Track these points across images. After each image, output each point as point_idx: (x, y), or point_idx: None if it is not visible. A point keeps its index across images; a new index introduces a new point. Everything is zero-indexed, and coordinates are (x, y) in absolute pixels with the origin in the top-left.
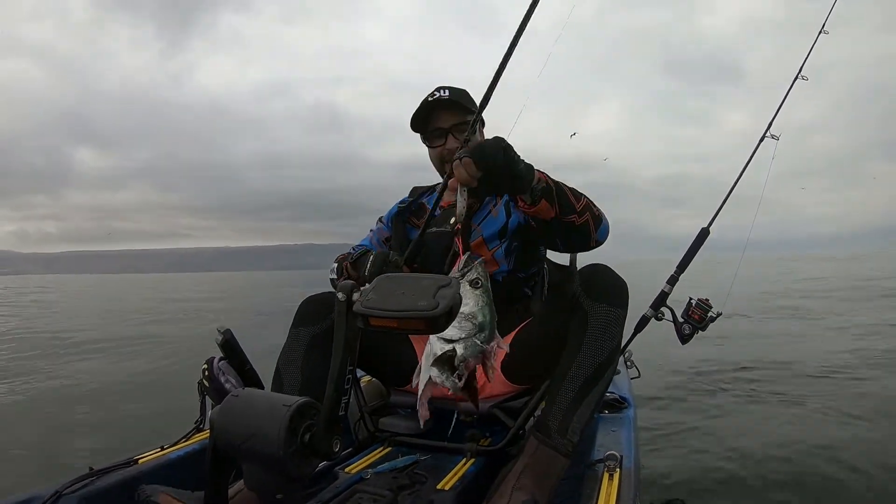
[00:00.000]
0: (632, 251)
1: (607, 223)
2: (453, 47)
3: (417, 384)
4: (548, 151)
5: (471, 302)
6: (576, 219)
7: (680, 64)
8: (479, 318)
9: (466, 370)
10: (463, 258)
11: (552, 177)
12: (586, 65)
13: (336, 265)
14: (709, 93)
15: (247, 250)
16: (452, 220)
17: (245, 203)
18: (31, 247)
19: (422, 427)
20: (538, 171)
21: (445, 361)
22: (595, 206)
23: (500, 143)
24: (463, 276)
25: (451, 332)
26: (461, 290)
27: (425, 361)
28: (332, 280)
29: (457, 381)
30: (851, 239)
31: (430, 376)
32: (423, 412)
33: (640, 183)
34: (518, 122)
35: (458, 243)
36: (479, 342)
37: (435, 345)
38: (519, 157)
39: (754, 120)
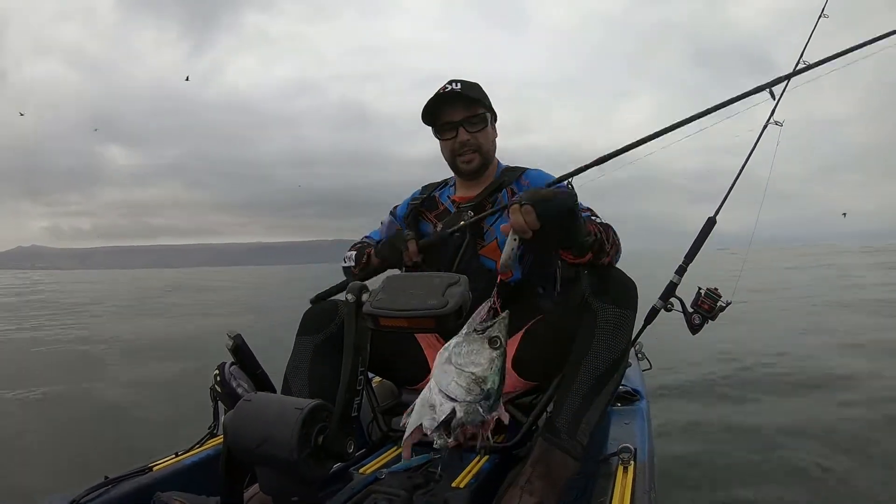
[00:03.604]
0: (660, 243)
1: (621, 251)
2: (479, 43)
3: (405, 423)
4: (576, 149)
5: (484, 363)
6: (605, 259)
7: (709, 55)
8: (489, 385)
9: (462, 434)
10: (486, 307)
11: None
12: (616, 59)
13: (354, 253)
14: (739, 85)
15: (279, 246)
16: (462, 224)
17: (275, 200)
18: (65, 242)
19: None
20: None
21: (442, 421)
22: (617, 238)
23: (569, 202)
24: (484, 330)
25: (456, 390)
26: (477, 345)
27: (419, 406)
28: (345, 268)
29: (446, 439)
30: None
31: (421, 424)
32: (407, 453)
33: (669, 177)
34: (546, 120)
35: (495, 295)
36: (481, 410)
37: (435, 396)
38: (581, 214)
39: (788, 111)
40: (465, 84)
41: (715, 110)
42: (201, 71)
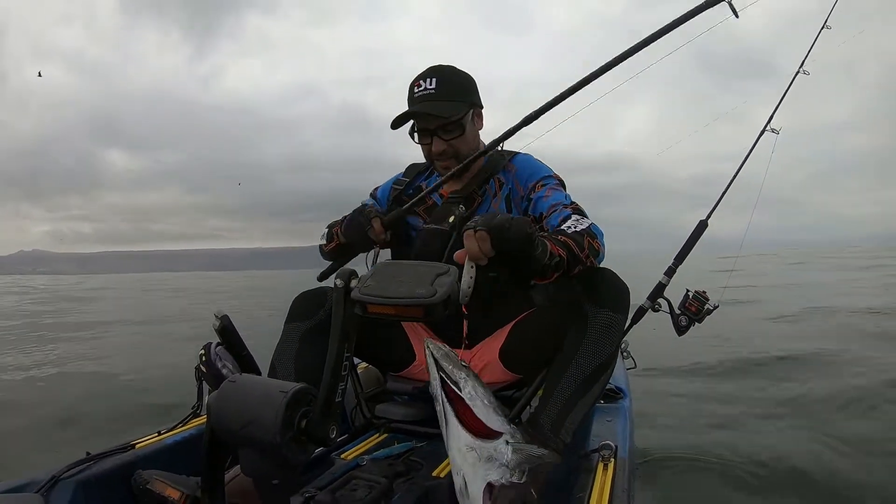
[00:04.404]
0: (664, 247)
1: (604, 248)
2: (483, 45)
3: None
4: (577, 153)
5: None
6: (579, 268)
7: (711, 61)
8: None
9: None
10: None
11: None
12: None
13: (326, 231)
14: (741, 90)
15: (280, 251)
16: (451, 219)
17: (276, 204)
18: (66, 247)
19: None
20: (549, 241)
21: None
22: (595, 239)
23: (524, 227)
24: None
25: (502, 422)
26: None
27: (471, 466)
28: (320, 247)
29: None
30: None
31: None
32: None
33: (672, 183)
34: (546, 123)
35: (465, 327)
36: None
37: (488, 447)
38: (539, 239)
39: (790, 116)
40: (442, 80)
41: (669, 30)
42: (203, 75)
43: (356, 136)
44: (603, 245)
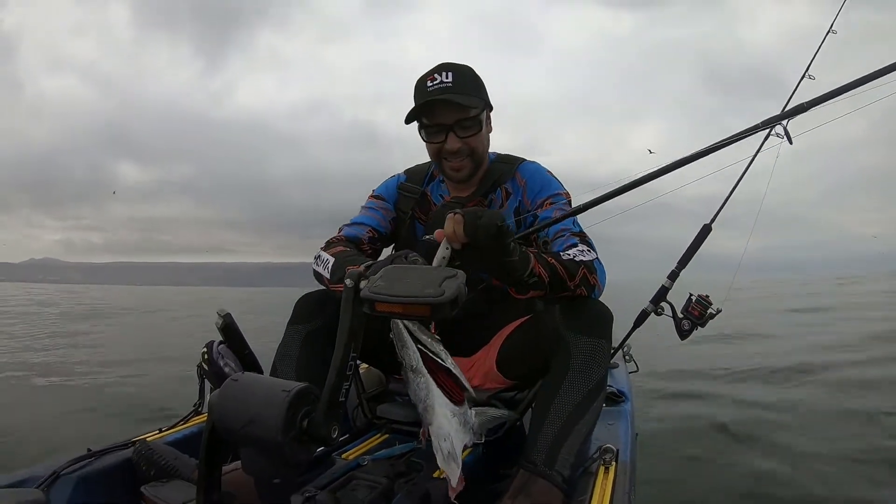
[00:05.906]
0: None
1: (601, 287)
2: (493, 63)
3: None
4: (582, 172)
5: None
6: (568, 294)
7: (720, 78)
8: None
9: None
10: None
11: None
12: (624, 81)
13: (332, 262)
14: (752, 108)
15: (290, 266)
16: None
17: (286, 220)
18: (76, 256)
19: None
20: (535, 258)
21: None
22: (592, 274)
23: (496, 219)
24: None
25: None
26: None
27: (457, 436)
28: (316, 273)
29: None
30: None
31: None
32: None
33: (681, 202)
34: (554, 142)
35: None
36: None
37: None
38: (514, 247)
39: (802, 130)
40: (458, 74)
41: (708, 153)
42: (215, 90)
43: (365, 153)
44: (601, 283)
